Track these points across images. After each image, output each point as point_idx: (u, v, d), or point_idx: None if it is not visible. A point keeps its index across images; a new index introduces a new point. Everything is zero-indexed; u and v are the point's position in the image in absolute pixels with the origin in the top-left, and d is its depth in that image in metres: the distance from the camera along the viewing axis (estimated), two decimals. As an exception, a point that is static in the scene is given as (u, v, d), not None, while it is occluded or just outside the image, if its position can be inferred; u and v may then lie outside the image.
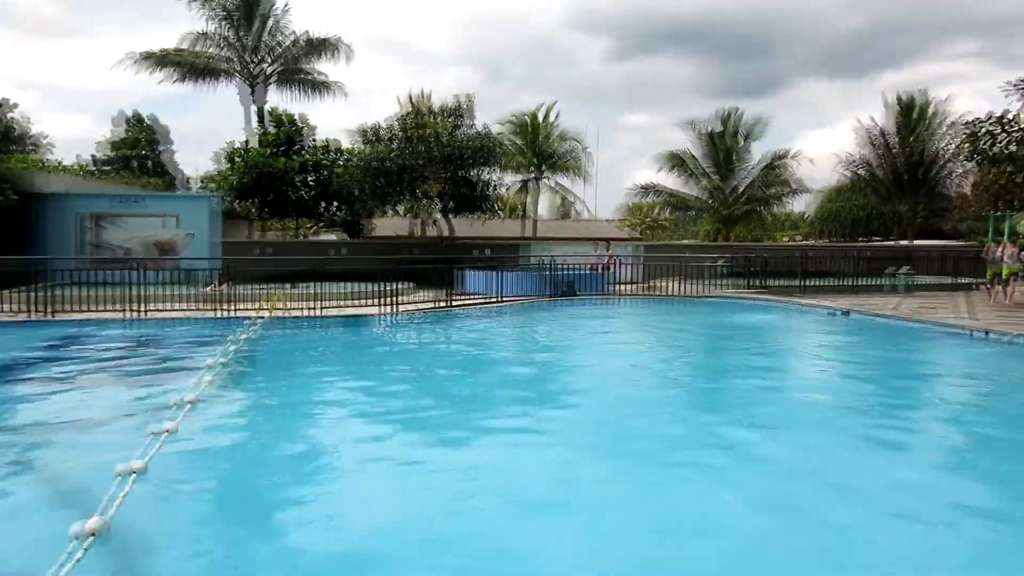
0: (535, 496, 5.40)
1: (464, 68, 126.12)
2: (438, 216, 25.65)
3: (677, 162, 37.98)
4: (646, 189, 39.91)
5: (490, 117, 64.44)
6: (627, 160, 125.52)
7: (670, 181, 38.94)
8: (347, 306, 16.10)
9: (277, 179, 25.53)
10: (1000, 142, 17.75)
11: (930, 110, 35.84)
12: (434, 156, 22.52)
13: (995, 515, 5.17)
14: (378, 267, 17.25)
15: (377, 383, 9.60)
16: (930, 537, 4.79)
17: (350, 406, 8.15)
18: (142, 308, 14.55)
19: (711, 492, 5.51)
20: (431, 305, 16.61)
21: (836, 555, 4.51)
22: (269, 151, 26.12)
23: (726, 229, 38.51)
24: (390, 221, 39.84)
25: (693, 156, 37.85)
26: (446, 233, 26.44)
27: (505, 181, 37.27)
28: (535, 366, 11.50)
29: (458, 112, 24.01)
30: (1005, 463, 6.52)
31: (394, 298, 15.84)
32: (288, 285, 17.24)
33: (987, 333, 12.70)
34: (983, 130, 18.08)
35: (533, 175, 38.29)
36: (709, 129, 37.25)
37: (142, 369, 10.19)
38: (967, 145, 19.16)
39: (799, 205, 43.82)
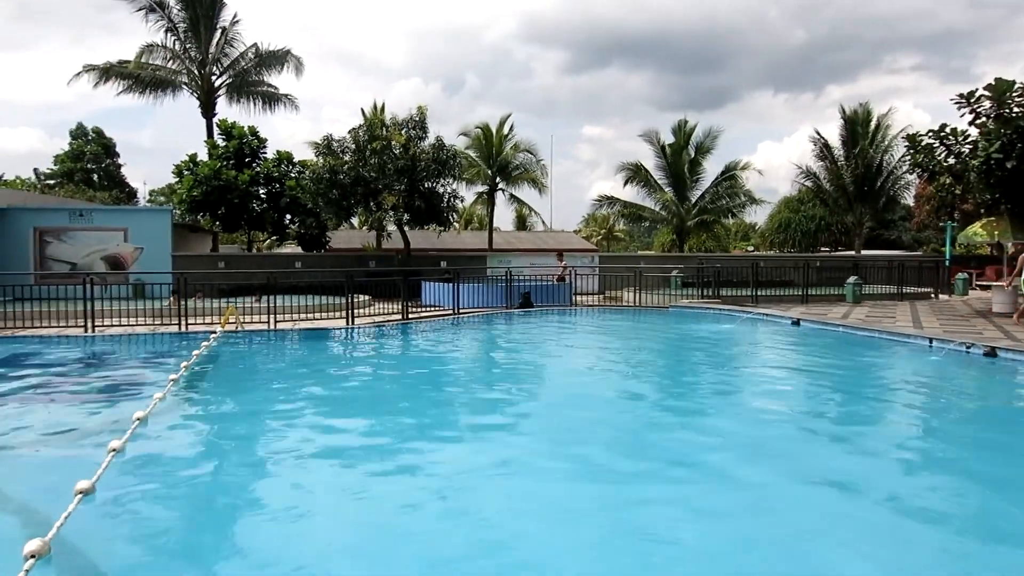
0: (491, 509, 5.38)
1: (419, 81, 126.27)
2: (394, 228, 25.50)
3: (633, 174, 38.46)
4: (600, 201, 40.35)
5: (447, 130, 64.75)
6: (584, 171, 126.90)
7: (627, 192, 39.48)
8: (304, 320, 15.91)
9: (230, 192, 25.16)
10: (939, 155, 18.36)
11: (873, 123, 36.91)
12: (388, 169, 22.42)
13: (922, 511, 5.32)
14: (335, 280, 17.11)
15: (332, 398, 9.46)
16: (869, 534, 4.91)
17: (305, 423, 7.99)
18: (93, 324, 14.18)
19: (674, 499, 5.56)
20: (389, 318, 16.50)
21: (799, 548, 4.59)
22: (220, 164, 25.72)
23: (681, 240, 39.09)
24: (347, 234, 39.54)
25: (646, 168, 38.39)
26: (403, 245, 26.31)
27: (462, 193, 37.35)
28: (489, 379, 11.47)
29: (412, 124, 23.96)
30: (944, 457, 6.72)
31: (351, 311, 15.70)
32: (246, 299, 16.99)
33: (931, 341, 13.07)
34: (923, 143, 18.70)
35: (490, 187, 38.39)
36: (663, 141, 37.85)
37: (91, 387, 9.90)
38: (908, 158, 19.75)
39: (752, 216, 44.80)
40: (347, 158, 23.42)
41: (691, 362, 13.23)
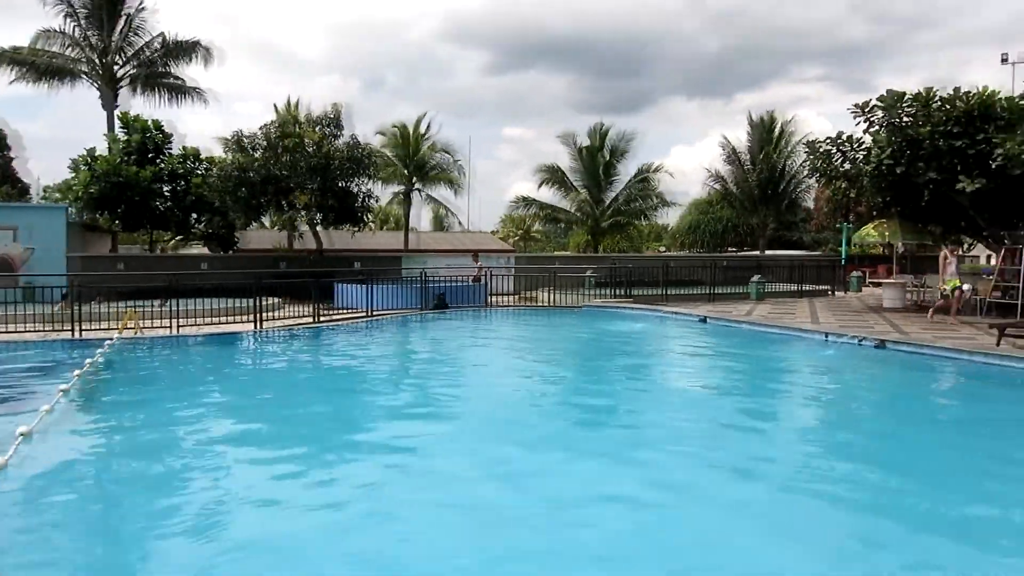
0: (410, 516, 5.32)
1: (338, 77, 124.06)
2: (306, 228, 24.93)
3: (550, 175, 38.85)
4: (518, 202, 40.62)
5: (365, 127, 63.76)
6: (505, 172, 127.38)
7: (544, 194, 39.83)
8: (210, 324, 15.35)
9: (131, 189, 24.02)
10: (836, 161, 19.26)
11: (778, 130, 38.45)
12: (301, 167, 21.91)
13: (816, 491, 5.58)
14: (244, 282, 16.59)
15: (237, 407, 9.16)
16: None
17: (206, 434, 7.70)
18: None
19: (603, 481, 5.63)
20: (300, 321, 16.13)
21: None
22: (120, 159, 24.53)
23: (596, 241, 39.73)
24: (257, 234, 38.43)
25: (562, 170, 38.83)
26: (315, 245, 25.75)
27: (378, 193, 36.86)
28: (402, 383, 11.36)
29: (328, 122, 23.48)
30: (840, 440, 7.06)
31: (259, 315, 15.26)
32: (148, 303, 16.29)
33: (827, 335, 13.71)
34: (822, 149, 19.57)
35: (407, 187, 38.00)
36: (580, 143, 38.37)
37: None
38: (808, 163, 20.65)
39: (664, 218, 45.97)
40: (258, 155, 22.76)
41: (603, 360, 13.45)
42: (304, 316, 16.58)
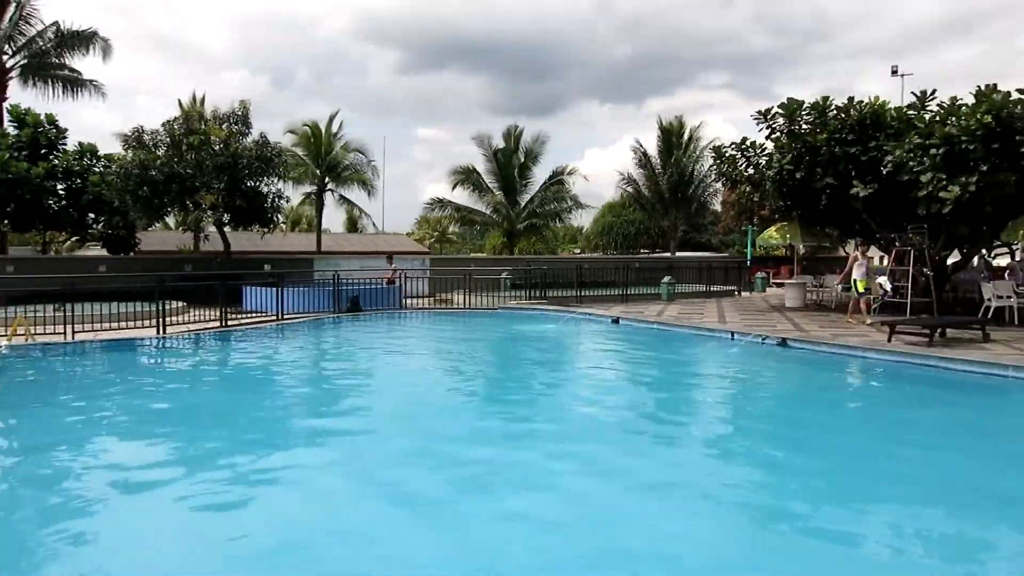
0: (316, 526, 5.20)
1: (246, 73, 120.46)
2: (213, 229, 24.06)
3: (465, 177, 38.85)
4: (433, 204, 40.45)
5: (275, 125, 62.03)
6: (420, 173, 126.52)
7: (459, 196, 39.80)
8: (108, 329, 14.63)
9: (21, 187, 22.64)
10: (741, 166, 19.99)
11: (687, 135, 39.63)
12: (207, 165, 21.15)
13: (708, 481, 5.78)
14: (147, 285, 15.88)
15: (135, 418, 8.70)
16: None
17: (101, 448, 7.32)
18: None
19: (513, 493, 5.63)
20: (206, 325, 15.56)
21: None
22: (9, 155, 23.08)
23: (511, 242, 39.95)
24: (161, 235, 36.93)
25: (477, 172, 38.91)
26: (223, 247, 24.90)
27: (288, 193, 36.02)
28: (313, 389, 11.13)
29: (235, 119, 22.75)
30: (746, 433, 7.33)
31: (162, 319, 14.64)
32: (41, 307, 15.38)
33: (733, 334, 14.21)
34: (727, 155, 20.28)
35: (318, 187, 37.26)
36: (495, 145, 38.50)
37: None
38: (715, 168, 21.34)
39: (579, 220, 46.68)
40: (161, 153, 21.87)
41: (517, 362, 13.54)
42: (211, 320, 16.01)
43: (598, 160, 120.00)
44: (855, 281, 16.32)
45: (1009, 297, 15.79)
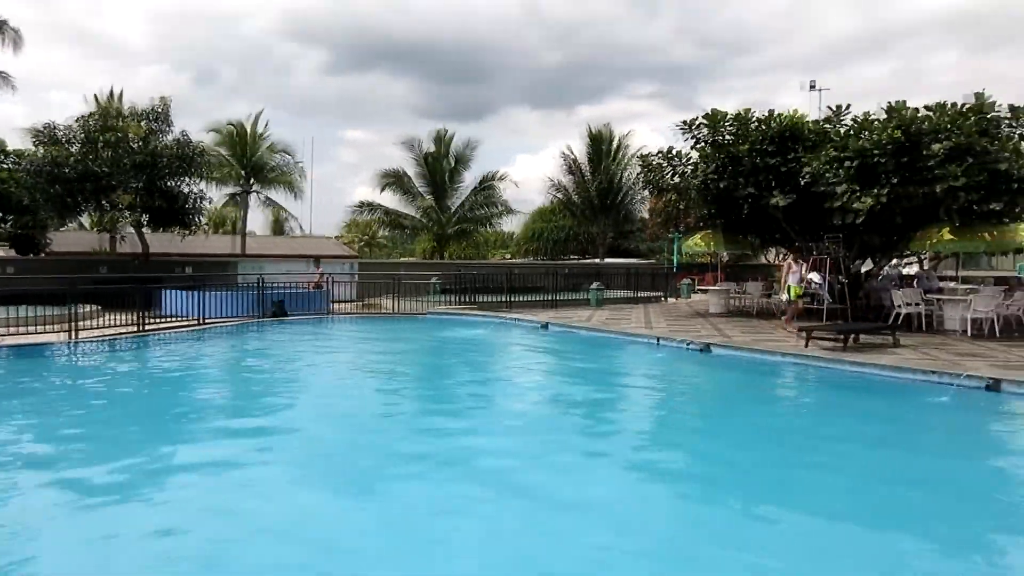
0: (241, 542, 5.03)
1: (167, 68, 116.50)
2: (130, 230, 23.18)
3: (394, 180, 38.52)
4: (361, 207, 39.97)
5: (197, 124, 60.19)
6: (347, 175, 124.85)
7: (388, 199, 39.44)
8: (14, 335, 13.88)
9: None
10: (666, 174, 20.43)
11: (615, 143, 40.30)
12: (124, 163, 20.36)
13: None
14: (58, 288, 15.14)
15: (43, 429, 8.25)
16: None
17: (5, 460, 6.93)
18: None
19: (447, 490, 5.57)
20: (120, 330, 14.95)
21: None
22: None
23: (441, 247, 39.80)
24: (75, 236, 35.35)
25: (407, 175, 38.66)
26: (141, 249, 23.99)
27: (210, 194, 35.03)
28: (233, 397, 10.82)
29: (154, 116, 21.99)
30: (670, 433, 7.49)
31: (74, 324, 13.98)
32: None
33: (658, 340, 14.49)
34: (653, 163, 20.70)
35: (243, 188, 36.32)
36: (425, 149, 38.31)
37: None
38: (642, 176, 21.75)
39: (509, 225, 46.91)
40: (74, 149, 20.96)
41: (444, 369, 13.47)
42: (127, 325, 15.39)
43: (528, 166, 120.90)
44: (789, 287, 16.84)
45: (917, 304, 16.56)
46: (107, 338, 14.18)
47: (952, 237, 15.42)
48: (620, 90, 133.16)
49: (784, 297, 17.32)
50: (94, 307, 16.29)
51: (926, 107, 15.22)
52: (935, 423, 9.06)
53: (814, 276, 16.76)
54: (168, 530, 5.10)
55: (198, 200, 23.13)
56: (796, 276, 16.76)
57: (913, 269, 24.06)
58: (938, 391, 9.77)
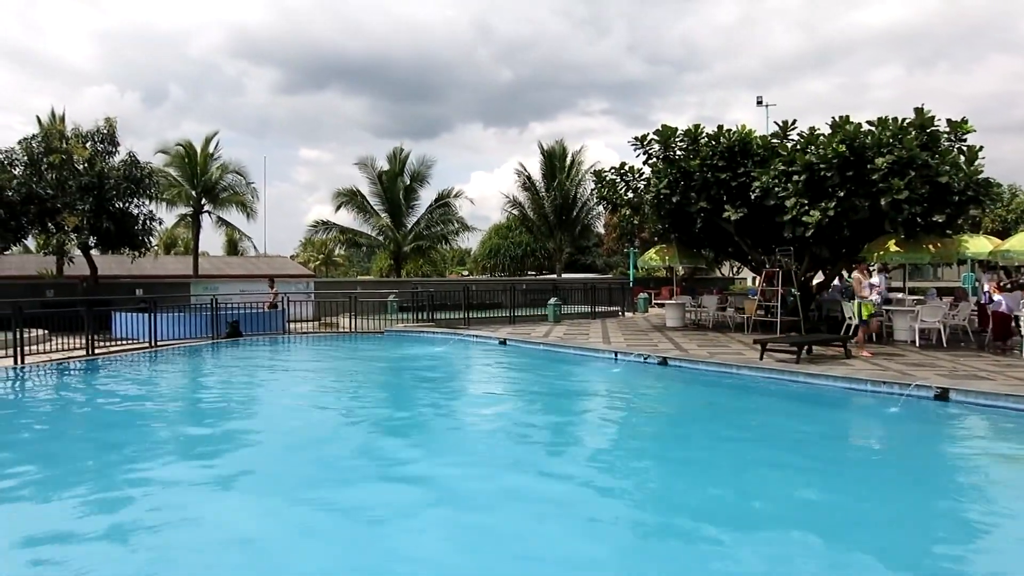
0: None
1: (113, 88, 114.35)
2: (78, 252, 22.60)
3: (350, 199, 38.29)
4: (317, 226, 39.65)
5: (146, 145, 59.12)
6: (302, 195, 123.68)
7: (344, 218, 39.21)
8: (-47, 361, 13.43)
9: None
10: (621, 190, 20.71)
11: (569, 159, 40.68)
12: (69, 186, 19.90)
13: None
14: (1, 312, 14.69)
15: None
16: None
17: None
18: None
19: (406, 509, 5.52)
20: (69, 354, 14.55)
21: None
22: None
23: (398, 265, 39.62)
24: (19, 259, 34.34)
25: (362, 194, 38.45)
26: (89, 272, 23.39)
27: (161, 215, 34.44)
28: (186, 421, 10.57)
29: (100, 137, 21.53)
30: (629, 447, 7.54)
31: (19, 348, 13.58)
32: None
33: (616, 354, 14.61)
34: (607, 179, 20.97)
35: (195, 209, 35.68)
36: (380, 168, 38.21)
37: None
38: (596, 191, 22.01)
39: (466, 242, 46.91)
40: (17, 172, 20.40)
41: (402, 387, 13.37)
42: (76, 349, 15.00)
43: (484, 183, 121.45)
44: (859, 305, 14.66)
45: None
46: (55, 362, 13.80)
47: (898, 249, 15.86)
48: (572, 106, 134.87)
49: (853, 320, 15.30)
50: (42, 331, 15.84)
51: (869, 122, 15.71)
52: (887, 433, 9.30)
53: (875, 280, 15.50)
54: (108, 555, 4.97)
55: (148, 221, 22.68)
56: (870, 288, 14.83)
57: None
58: (889, 402, 10.04)
